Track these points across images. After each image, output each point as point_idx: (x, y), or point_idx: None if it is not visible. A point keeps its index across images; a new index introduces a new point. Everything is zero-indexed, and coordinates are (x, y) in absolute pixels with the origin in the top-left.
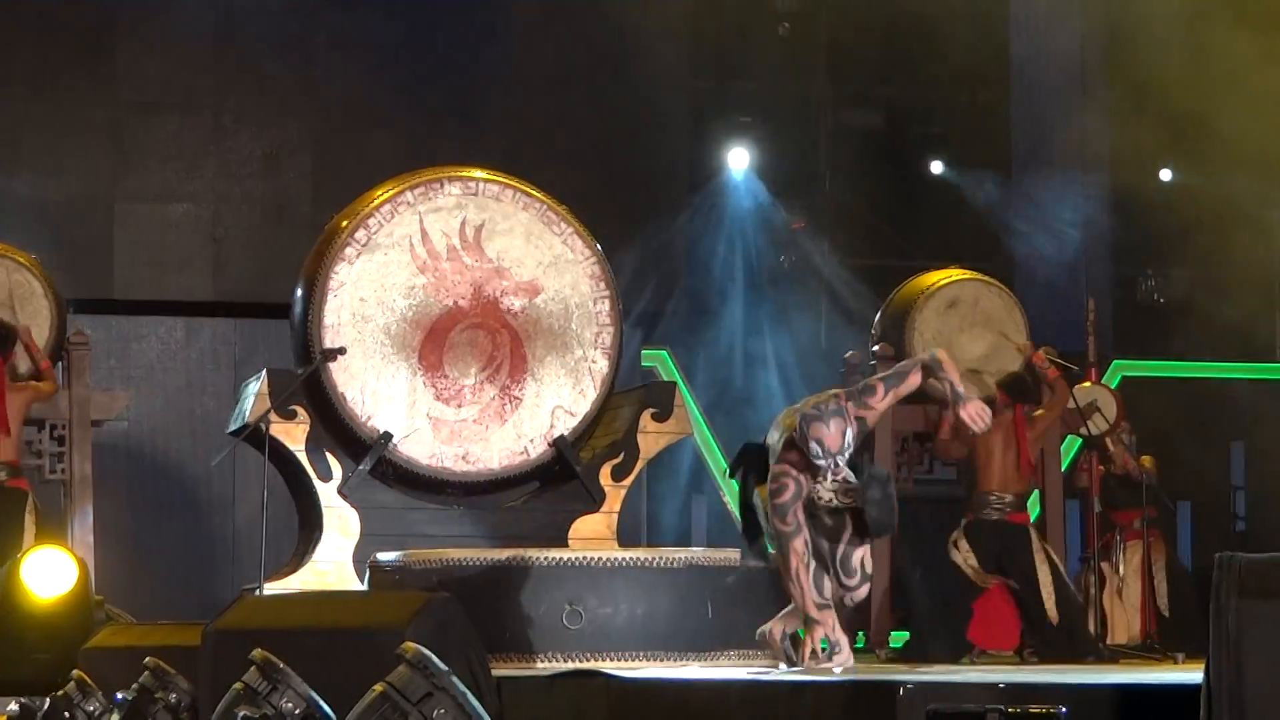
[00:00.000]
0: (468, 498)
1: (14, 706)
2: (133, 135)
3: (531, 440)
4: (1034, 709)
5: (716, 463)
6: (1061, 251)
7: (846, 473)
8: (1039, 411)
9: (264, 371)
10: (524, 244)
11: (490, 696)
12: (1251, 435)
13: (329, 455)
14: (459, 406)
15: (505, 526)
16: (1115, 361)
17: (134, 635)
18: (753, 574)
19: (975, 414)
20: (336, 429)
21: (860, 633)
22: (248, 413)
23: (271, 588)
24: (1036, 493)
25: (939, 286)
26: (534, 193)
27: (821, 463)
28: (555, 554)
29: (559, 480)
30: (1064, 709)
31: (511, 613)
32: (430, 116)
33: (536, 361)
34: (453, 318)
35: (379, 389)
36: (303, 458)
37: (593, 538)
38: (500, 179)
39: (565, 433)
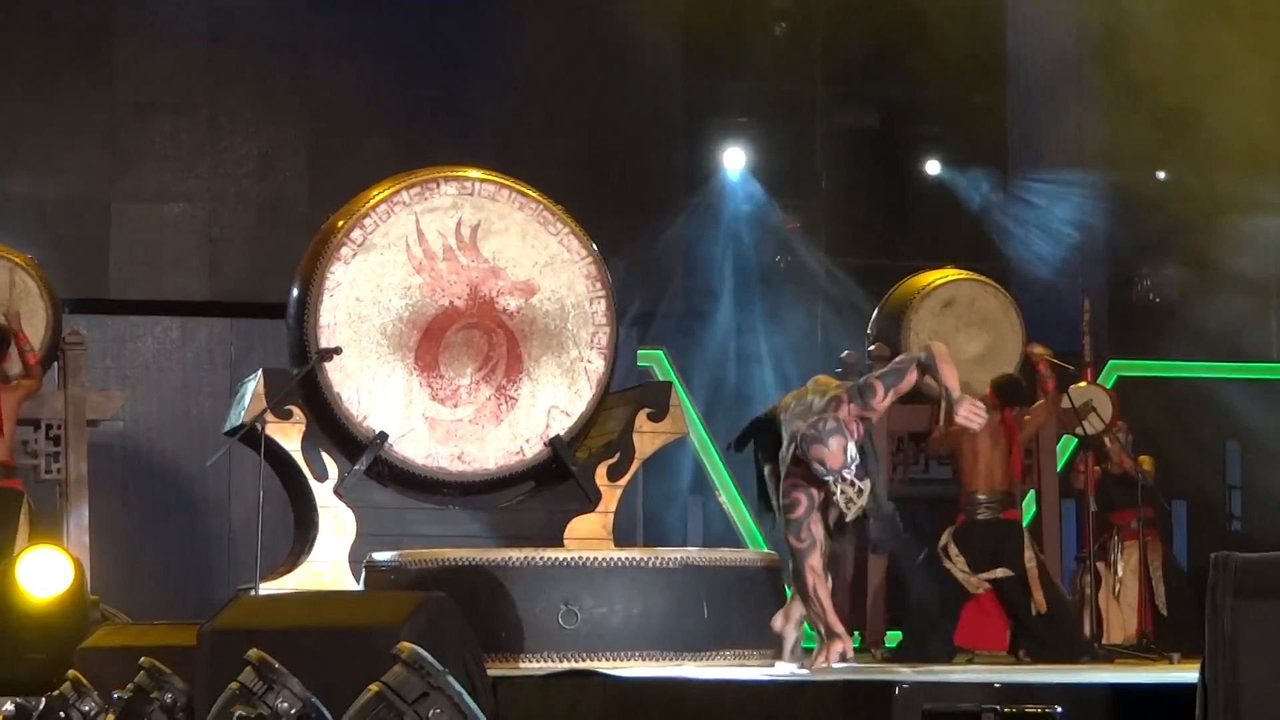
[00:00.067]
0: (463, 497)
1: (9, 706)
2: (129, 135)
3: (527, 440)
4: (1029, 709)
5: (712, 462)
6: (1057, 251)
7: (854, 479)
8: (1026, 416)
9: (260, 371)
10: (520, 244)
11: (486, 696)
12: (1247, 435)
13: (325, 455)
14: (455, 406)
15: (501, 526)
16: (1111, 361)
17: (130, 635)
18: (749, 573)
19: (969, 413)
20: (332, 429)
21: (856, 633)
22: (244, 412)
23: (267, 587)
24: (1032, 493)
25: (935, 286)
26: (530, 193)
27: (829, 479)
28: (551, 554)
29: (555, 480)
30: (1059, 709)
31: (507, 612)
32: (426, 117)
33: (532, 361)
34: (449, 318)
35: (375, 389)
36: (299, 457)
37: (588, 537)
38: (496, 179)
39: (561, 433)
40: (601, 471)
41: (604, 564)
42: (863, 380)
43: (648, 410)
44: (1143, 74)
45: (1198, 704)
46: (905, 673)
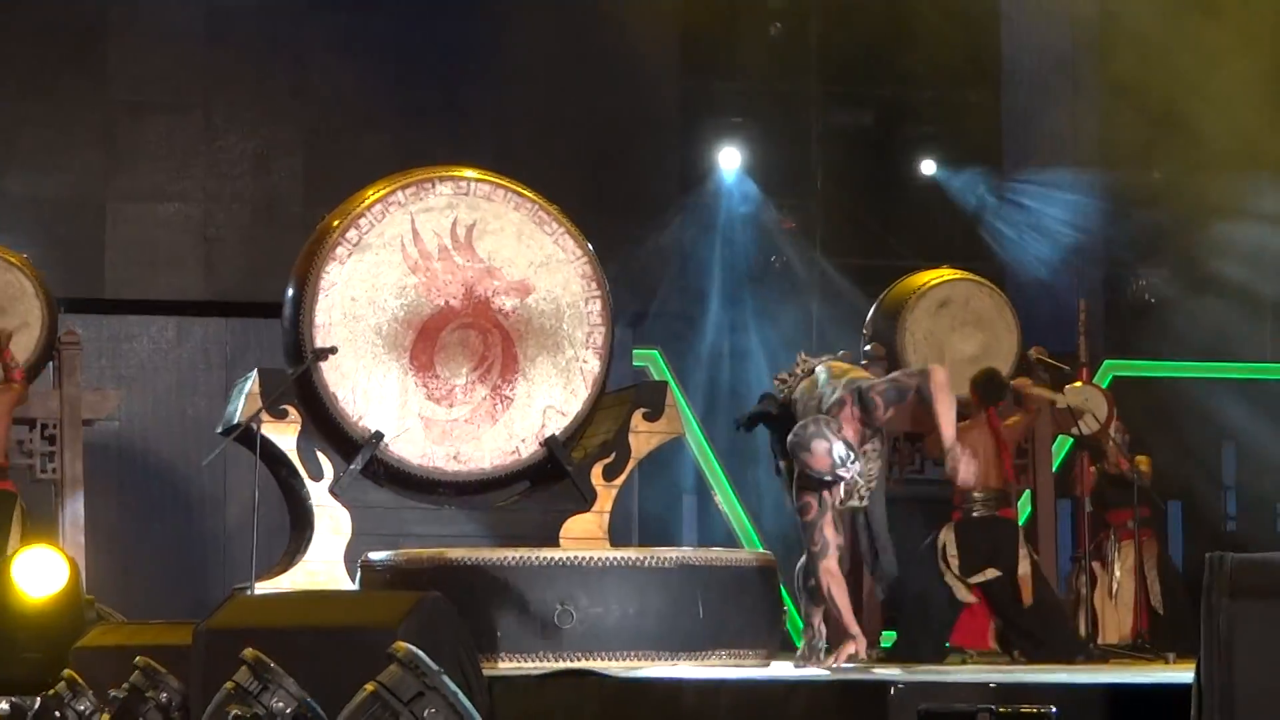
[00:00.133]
0: (459, 497)
1: (4, 706)
2: (124, 135)
3: (523, 440)
4: (1025, 709)
5: (708, 462)
6: (1053, 251)
7: (852, 475)
8: (1010, 420)
9: (255, 371)
10: (515, 244)
11: (481, 696)
12: (1242, 436)
13: (320, 455)
14: (450, 406)
15: (497, 526)
16: (1106, 361)
17: (125, 634)
18: (745, 573)
19: (964, 473)
20: (328, 428)
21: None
22: (239, 412)
23: (263, 587)
24: (1028, 493)
25: (930, 286)
26: (525, 192)
27: (827, 479)
28: (547, 553)
29: (550, 480)
30: (1055, 709)
31: (503, 612)
32: (421, 117)
33: (528, 361)
34: (444, 317)
35: (370, 389)
36: (294, 457)
37: (584, 537)
38: (491, 179)
39: (557, 432)
40: (597, 471)
41: (599, 564)
42: (866, 386)
43: (643, 410)
44: (1138, 73)
45: (1193, 704)
46: (900, 673)
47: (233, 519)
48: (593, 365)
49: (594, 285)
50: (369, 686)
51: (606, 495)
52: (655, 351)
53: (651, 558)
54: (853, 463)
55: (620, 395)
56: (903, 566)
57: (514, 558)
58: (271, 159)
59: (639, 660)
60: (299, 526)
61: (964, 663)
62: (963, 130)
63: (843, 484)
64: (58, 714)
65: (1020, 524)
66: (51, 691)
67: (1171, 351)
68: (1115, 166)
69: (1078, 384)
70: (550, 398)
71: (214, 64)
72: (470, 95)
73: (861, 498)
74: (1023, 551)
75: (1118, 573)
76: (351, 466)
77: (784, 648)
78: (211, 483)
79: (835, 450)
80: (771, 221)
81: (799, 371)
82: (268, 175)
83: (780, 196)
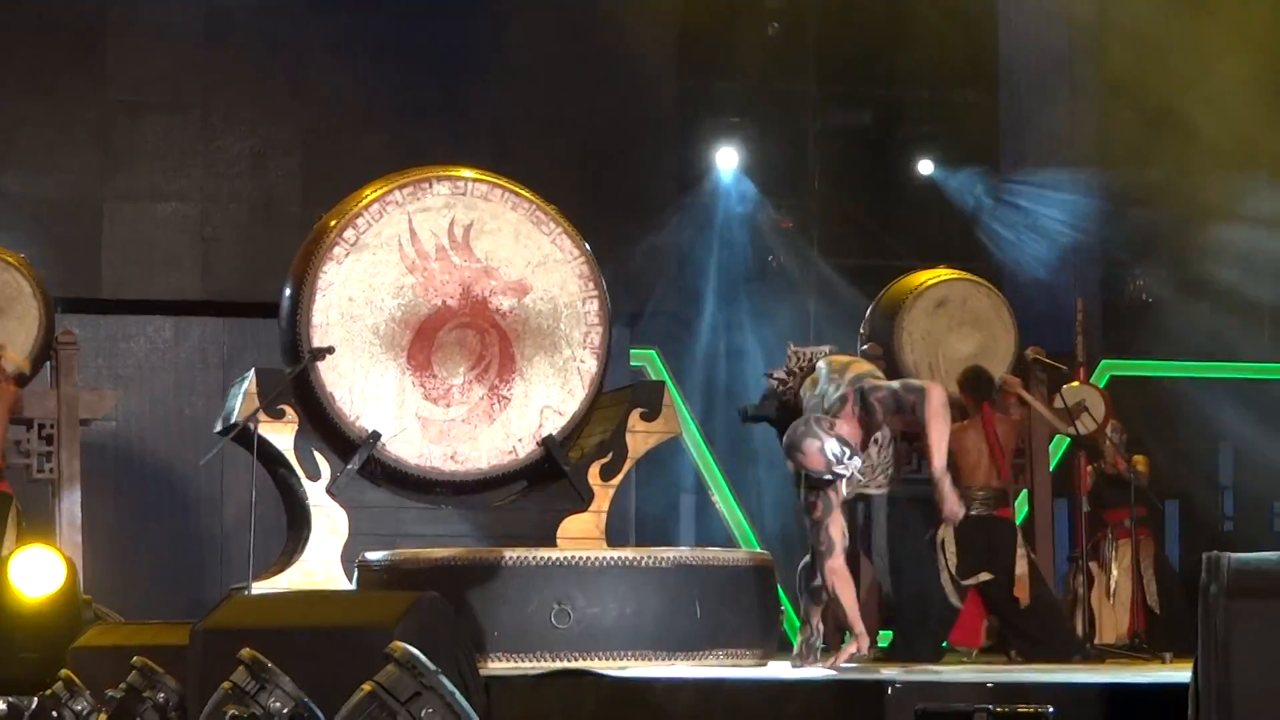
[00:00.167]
0: (456, 497)
1: (2, 706)
2: (122, 134)
3: (520, 439)
4: (1022, 708)
5: (705, 462)
6: (1050, 251)
7: (850, 472)
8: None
9: (252, 371)
10: (513, 244)
11: (478, 696)
12: (1239, 436)
13: (317, 455)
14: (447, 406)
15: (494, 526)
16: (1104, 361)
17: (122, 634)
18: (742, 573)
19: (950, 510)
20: (325, 428)
21: (846, 632)
22: (236, 412)
23: (260, 587)
24: (1025, 492)
25: (927, 286)
26: (522, 192)
27: (826, 477)
28: (544, 553)
29: (547, 479)
30: (1052, 709)
31: (500, 612)
32: (419, 116)
33: (525, 361)
34: (441, 317)
35: (367, 388)
36: (291, 457)
37: (581, 537)
38: (489, 178)
39: (554, 432)
40: (594, 471)
41: (597, 563)
42: (869, 388)
43: (640, 410)
44: (1135, 73)
45: (1190, 704)
46: (898, 672)
47: (230, 519)
48: (590, 365)
49: (591, 285)
50: (366, 686)
51: (604, 495)
52: (653, 351)
53: (648, 558)
54: (850, 459)
55: (617, 395)
56: (901, 566)
57: (511, 557)
58: (269, 159)
59: (636, 660)
60: (296, 526)
61: (967, 660)
62: (960, 130)
63: (843, 481)
64: (55, 714)
65: (1018, 523)
66: (49, 691)
67: (1169, 351)
68: (1113, 166)
69: (1075, 384)
70: (547, 397)
71: (212, 64)
72: (468, 95)
73: (880, 485)
74: (1020, 551)
75: (1115, 572)
76: (349, 466)
77: (781, 648)
78: (209, 483)
79: (828, 449)
80: (769, 221)
81: (793, 367)
82: (265, 175)
83: (778, 196)
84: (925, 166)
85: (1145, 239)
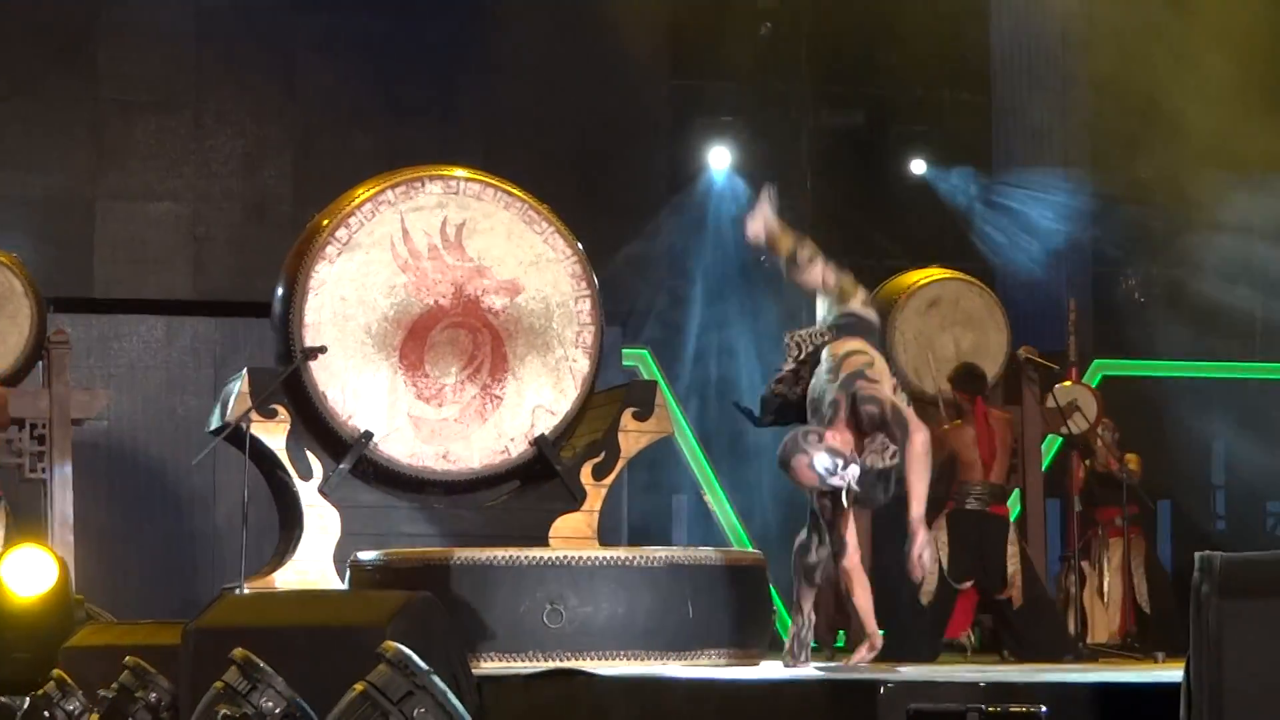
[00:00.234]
0: (448, 496)
1: None
2: (114, 134)
3: (512, 439)
4: (1014, 708)
5: (697, 461)
6: (1042, 250)
7: (844, 484)
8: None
9: (245, 370)
10: (505, 243)
11: (471, 695)
12: (1231, 434)
13: (310, 454)
14: (440, 405)
15: (486, 525)
16: (1096, 360)
17: (114, 634)
18: (734, 573)
19: (912, 550)
20: (317, 428)
21: (840, 631)
22: (229, 411)
23: (252, 586)
24: (1017, 492)
25: (920, 286)
26: (515, 191)
27: (824, 489)
28: (536, 553)
29: (540, 479)
30: (1044, 708)
31: (492, 611)
32: (411, 116)
33: (517, 360)
34: (434, 317)
35: (360, 388)
36: (283, 456)
37: (573, 536)
38: (481, 178)
39: (546, 432)
40: (586, 471)
41: (589, 563)
42: (860, 395)
43: (633, 409)
44: (1127, 72)
45: (1182, 703)
46: (890, 672)
47: (222, 518)
48: (582, 364)
49: (583, 284)
50: (358, 686)
51: (596, 495)
52: (645, 351)
53: (640, 557)
54: (844, 469)
55: (610, 394)
56: (896, 565)
57: (503, 557)
58: (261, 158)
59: (628, 660)
60: (288, 526)
61: (965, 652)
62: (952, 130)
63: (844, 492)
64: (47, 714)
65: (1012, 520)
66: (40, 691)
67: (1161, 351)
68: (1104, 166)
69: (1067, 383)
70: (540, 397)
71: (204, 63)
72: (460, 94)
73: (887, 490)
74: (1013, 549)
75: (1106, 572)
76: (341, 466)
77: (773, 647)
78: (201, 482)
79: (817, 463)
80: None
81: (797, 356)
82: (257, 174)
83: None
84: (917, 166)
85: (1137, 238)
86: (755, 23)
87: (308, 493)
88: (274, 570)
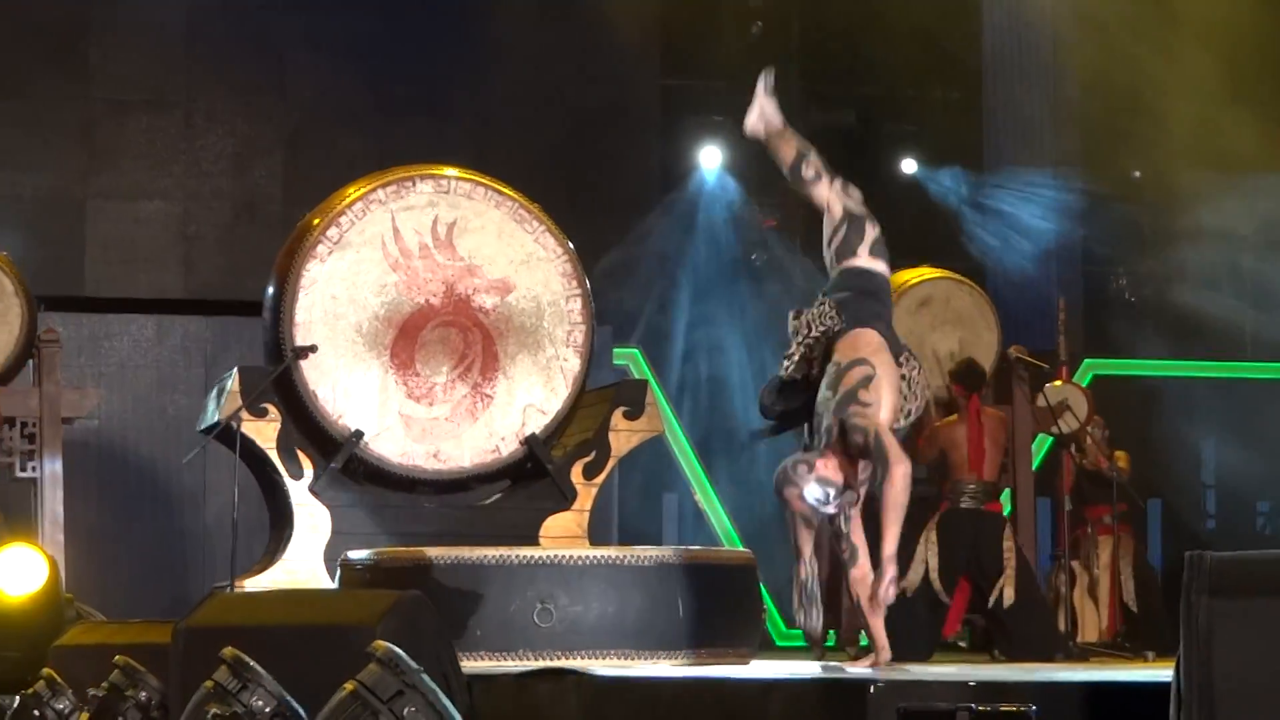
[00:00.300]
0: (439, 496)
1: None
2: (104, 133)
3: (503, 438)
4: (1005, 707)
5: (688, 461)
6: (1033, 249)
7: (835, 508)
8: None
9: (235, 369)
10: (496, 242)
11: (461, 695)
12: (1221, 434)
13: (300, 453)
14: (431, 404)
15: (476, 524)
16: (1086, 360)
17: (104, 633)
18: (725, 572)
19: (883, 592)
20: (308, 427)
21: (831, 631)
22: (219, 410)
23: (242, 586)
24: (1008, 491)
25: (911, 285)
26: (506, 191)
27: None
28: (526, 552)
29: (530, 478)
30: (1035, 707)
31: (482, 611)
32: (402, 115)
33: (508, 359)
34: (424, 316)
35: (351, 387)
36: (274, 455)
37: (564, 536)
38: (472, 177)
39: (537, 431)
40: (577, 470)
41: (579, 562)
42: (851, 424)
43: (624, 408)
44: (1118, 73)
45: (1172, 702)
46: (880, 671)
47: (212, 517)
48: (573, 363)
49: (574, 283)
50: (348, 685)
51: (586, 494)
52: (636, 350)
53: (631, 556)
54: (834, 498)
55: (601, 394)
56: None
57: (494, 556)
58: (252, 157)
59: (619, 659)
60: (279, 525)
61: (962, 647)
62: (943, 129)
63: (840, 518)
64: (36, 713)
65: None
66: (30, 690)
67: (1151, 349)
68: (1095, 165)
69: (1058, 383)
70: (531, 396)
71: (194, 62)
72: (451, 94)
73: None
74: (1007, 545)
75: (1095, 570)
76: (331, 465)
77: (763, 646)
78: (191, 481)
79: (808, 495)
80: (752, 220)
81: (799, 342)
82: (248, 173)
83: (761, 195)
84: (908, 165)
85: (1127, 237)
86: (745, 22)
87: (298, 492)
88: (264, 569)
